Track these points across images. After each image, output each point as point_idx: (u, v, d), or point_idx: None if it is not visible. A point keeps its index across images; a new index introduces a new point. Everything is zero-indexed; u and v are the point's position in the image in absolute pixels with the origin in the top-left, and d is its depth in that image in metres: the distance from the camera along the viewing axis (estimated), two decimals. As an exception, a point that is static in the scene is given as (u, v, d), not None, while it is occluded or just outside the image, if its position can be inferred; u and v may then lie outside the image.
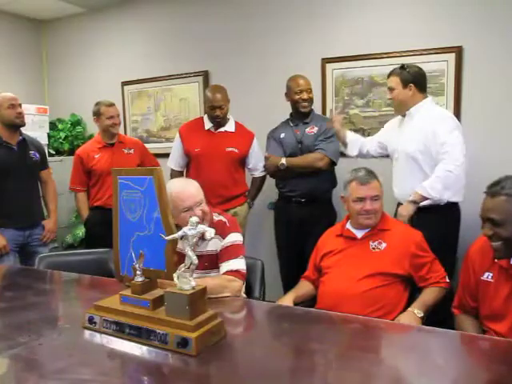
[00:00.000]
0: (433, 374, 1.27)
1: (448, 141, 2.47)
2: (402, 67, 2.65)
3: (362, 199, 2.19)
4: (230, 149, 3.14)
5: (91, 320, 1.49)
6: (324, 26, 3.48)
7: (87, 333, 1.48)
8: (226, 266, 1.97)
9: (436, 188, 2.44)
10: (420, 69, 2.68)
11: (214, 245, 2.04)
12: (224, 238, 2.05)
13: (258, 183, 3.36)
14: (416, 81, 2.62)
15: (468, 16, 3.01)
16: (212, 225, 2.03)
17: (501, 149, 2.97)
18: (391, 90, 2.66)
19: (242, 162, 3.25)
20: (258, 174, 3.31)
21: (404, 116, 2.69)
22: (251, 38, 3.77)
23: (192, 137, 3.23)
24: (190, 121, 3.54)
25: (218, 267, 2.02)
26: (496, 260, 1.73)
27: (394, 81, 2.64)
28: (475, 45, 3.01)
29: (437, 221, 2.49)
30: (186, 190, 2.01)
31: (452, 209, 2.59)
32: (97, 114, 3.39)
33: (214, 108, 3.11)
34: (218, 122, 3.16)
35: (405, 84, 2.61)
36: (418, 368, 1.30)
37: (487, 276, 1.76)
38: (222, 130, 3.21)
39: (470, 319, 1.85)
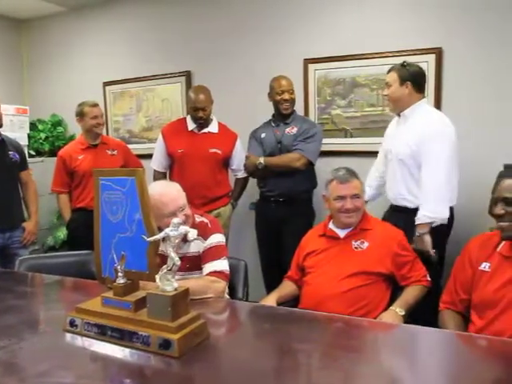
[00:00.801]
0: (415, 371, 1.29)
1: (434, 156, 2.42)
2: (403, 64, 2.58)
3: (342, 198, 2.21)
4: (214, 150, 3.14)
5: (72, 323, 1.47)
6: (306, 27, 3.50)
7: (68, 336, 1.47)
8: (209, 267, 1.97)
9: (434, 207, 2.40)
10: (420, 68, 2.62)
11: (197, 246, 2.04)
12: (206, 240, 2.04)
13: (242, 184, 3.37)
14: (413, 79, 2.55)
15: (448, 18, 3.05)
16: (194, 226, 2.03)
17: (480, 148, 3.01)
18: (388, 85, 2.61)
19: (225, 162, 3.25)
20: (241, 174, 3.32)
21: (399, 116, 2.65)
22: (234, 38, 3.76)
23: (175, 138, 3.22)
24: (172, 121, 3.53)
25: (200, 269, 2.01)
26: (500, 245, 1.78)
27: (392, 77, 2.58)
28: (454, 46, 3.05)
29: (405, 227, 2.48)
30: (168, 194, 1.99)
31: None
32: (80, 115, 3.36)
33: (197, 109, 3.10)
34: (201, 123, 3.16)
35: (402, 81, 2.55)
36: (400, 366, 1.32)
37: (484, 266, 1.81)
38: (205, 130, 3.20)
39: (453, 315, 1.88)
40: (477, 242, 1.89)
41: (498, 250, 1.80)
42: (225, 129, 3.28)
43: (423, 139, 2.45)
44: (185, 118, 3.33)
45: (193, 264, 2.03)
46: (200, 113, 3.10)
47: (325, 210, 2.43)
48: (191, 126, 3.21)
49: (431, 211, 2.39)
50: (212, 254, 2.01)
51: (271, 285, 2.39)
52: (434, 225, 2.41)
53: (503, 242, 1.79)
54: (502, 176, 1.75)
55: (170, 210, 1.95)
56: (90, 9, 4.40)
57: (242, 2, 3.71)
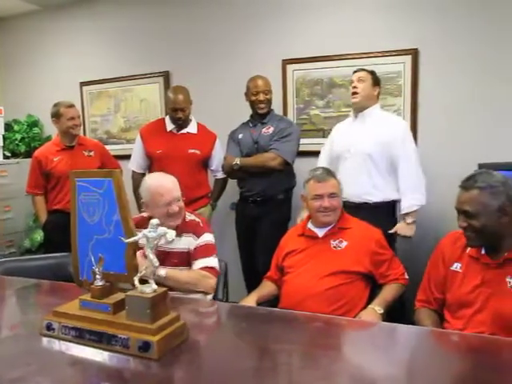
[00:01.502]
0: (394, 369, 1.30)
1: (409, 152, 2.68)
2: (372, 72, 2.81)
3: (319, 196, 2.23)
4: (192, 150, 3.13)
5: (49, 327, 1.45)
6: (285, 28, 3.51)
7: (45, 340, 1.45)
8: (201, 263, 2.09)
9: (419, 196, 2.65)
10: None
11: (188, 243, 2.13)
12: (198, 237, 2.16)
13: (221, 184, 3.36)
14: (380, 87, 2.84)
15: (423, 20, 3.10)
16: (185, 223, 2.18)
17: (456, 148, 3.06)
18: (362, 80, 2.75)
19: (204, 163, 3.24)
20: (221, 175, 3.31)
21: (356, 116, 2.82)
22: (212, 38, 3.76)
23: (153, 138, 3.20)
24: (150, 122, 3.50)
25: (187, 265, 2.10)
26: (469, 248, 1.81)
27: (366, 75, 2.77)
28: (430, 47, 3.10)
29: (388, 218, 2.69)
30: (164, 185, 2.14)
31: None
32: (56, 116, 3.30)
33: (176, 110, 3.08)
34: (180, 123, 3.14)
35: (374, 84, 2.78)
36: (379, 364, 1.33)
37: (456, 266, 1.84)
38: (184, 131, 3.18)
39: (429, 313, 1.91)
40: (448, 241, 1.92)
41: (467, 251, 1.83)
42: (204, 129, 3.27)
43: (397, 138, 2.68)
44: (163, 119, 3.30)
45: (180, 260, 2.12)
46: (179, 113, 3.08)
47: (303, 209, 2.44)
48: (170, 126, 3.19)
49: (418, 200, 2.65)
50: (204, 251, 2.13)
51: (252, 285, 2.40)
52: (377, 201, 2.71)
53: None
54: (461, 187, 1.77)
55: (165, 201, 2.08)
56: (65, 8, 4.33)
57: (221, 3, 3.70)
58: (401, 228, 2.68)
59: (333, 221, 2.25)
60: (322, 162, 2.92)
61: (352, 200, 2.69)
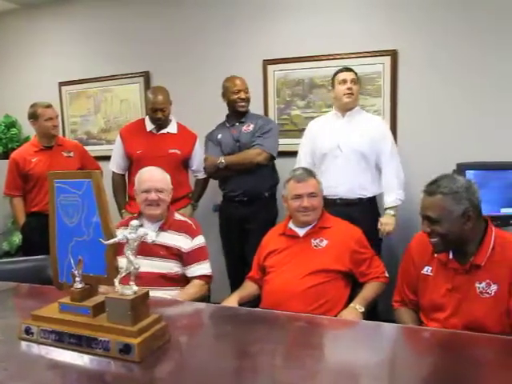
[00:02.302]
0: (376, 366, 1.31)
1: (392, 149, 2.82)
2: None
3: (299, 196, 2.24)
4: (173, 150, 3.12)
5: (28, 330, 1.43)
6: (265, 29, 3.52)
7: (24, 344, 1.42)
8: (198, 270, 2.28)
9: (402, 192, 2.80)
10: None
11: (181, 241, 2.27)
12: (193, 239, 2.30)
13: (202, 185, 3.35)
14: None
15: (402, 21, 3.14)
16: (173, 221, 2.33)
17: (435, 148, 3.11)
18: (355, 82, 2.83)
19: (184, 163, 3.22)
20: (202, 175, 3.30)
21: (342, 115, 2.87)
22: (192, 39, 3.74)
23: (133, 139, 3.18)
24: (130, 122, 3.47)
25: (176, 259, 2.24)
26: (435, 255, 1.81)
27: (355, 76, 2.84)
28: (409, 48, 3.14)
29: (364, 215, 2.73)
30: (151, 172, 2.35)
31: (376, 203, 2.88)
32: (34, 117, 3.26)
33: (155, 110, 3.07)
34: (160, 124, 3.13)
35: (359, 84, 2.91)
36: (361, 362, 1.34)
37: (427, 270, 1.84)
38: (164, 131, 3.17)
39: (408, 312, 1.93)
40: (417, 244, 1.91)
41: (436, 255, 1.82)
42: (184, 129, 3.26)
43: (382, 135, 2.81)
44: (143, 119, 3.28)
45: (168, 254, 2.24)
46: (159, 114, 3.07)
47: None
48: (150, 126, 3.18)
49: (402, 195, 2.78)
50: (198, 255, 2.29)
51: (237, 286, 2.40)
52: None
53: None
54: (424, 192, 1.76)
55: (145, 187, 2.26)
56: (44, 7, 4.27)
57: (201, 4, 3.69)
58: (386, 220, 2.76)
59: (312, 220, 2.26)
60: (303, 161, 2.93)
61: (345, 197, 2.75)
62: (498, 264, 1.68)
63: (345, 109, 2.85)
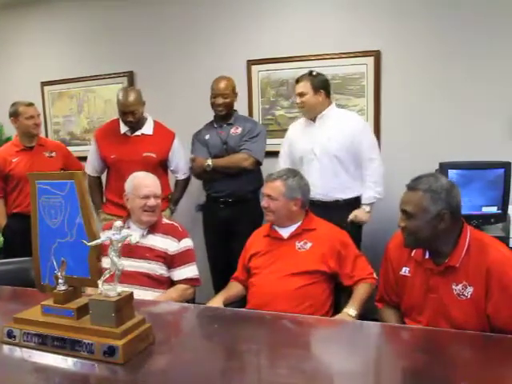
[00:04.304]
0: (362, 365, 1.32)
1: (371, 145, 2.79)
2: (311, 74, 2.81)
3: (263, 195, 2.32)
4: (147, 154, 3.01)
5: (10, 334, 1.41)
6: (249, 29, 3.52)
7: (6, 348, 1.40)
8: (182, 274, 2.27)
9: (379, 191, 2.78)
10: (325, 76, 2.87)
11: (168, 244, 2.27)
12: (179, 242, 2.30)
13: (182, 186, 3.25)
14: (325, 87, 2.81)
15: (385, 22, 3.16)
16: (160, 224, 2.33)
17: (418, 147, 3.14)
18: (302, 95, 2.78)
19: (162, 165, 3.13)
20: (181, 175, 3.22)
21: (313, 120, 2.85)
22: (177, 38, 3.72)
23: (107, 142, 3.08)
24: (105, 124, 3.32)
25: (163, 261, 2.24)
26: (413, 251, 1.81)
27: (305, 86, 2.78)
28: (392, 49, 3.16)
29: (341, 218, 2.69)
30: (148, 179, 2.36)
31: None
32: (14, 115, 3.21)
33: (125, 113, 2.96)
34: (131, 127, 3.03)
35: (316, 90, 2.78)
36: (347, 360, 1.35)
37: (404, 271, 1.84)
38: (138, 133, 3.06)
39: (392, 311, 1.93)
40: (395, 244, 1.91)
41: (413, 254, 1.82)
42: (161, 129, 3.15)
43: (358, 133, 2.77)
44: (118, 120, 3.13)
45: (153, 256, 2.23)
46: (129, 117, 2.95)
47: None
48: (123, 128, 3.07)
49: (379, 193, 2.79)
50: (185, 258, 2.29)
51: (221, 287, 2.39)
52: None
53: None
54: (406, 186, 1.78)
55: (145, 192, 2.27)
56: (24, 6, 4.20)
57: (185, 3, 3.67)
58: (360, 214, 2.77)
59: (273, 221, 2.29)
60: (281, 163, 2.96)
61: (323, 199, 2.75)
62: (474, 266, 1.68)
63: (308, 117, 2.87)
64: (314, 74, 2.82)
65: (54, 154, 3.32)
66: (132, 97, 2.95)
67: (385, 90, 3.22)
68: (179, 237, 2.32)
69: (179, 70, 3.74)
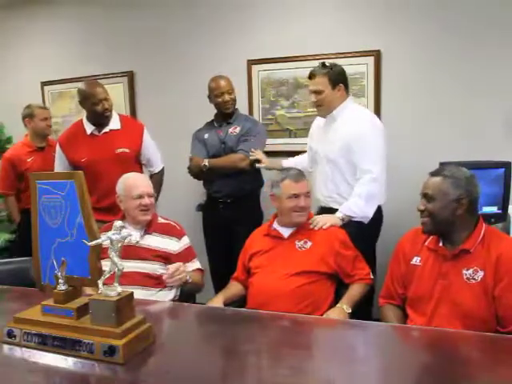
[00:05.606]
0: (362, 365, 1.32)
1: (367, 154, 2.42)
2: (325, 66, 2.49)
3: (296, 196, 2.23)
4: (120, 150, 2.92)
5: (10, 334, 1.41)
6: (250, 29, 3.52)
7: (6, 348, 1.40)
8: (192, 266, 2.32)
9: (359, 205, 2.40)
10: (341, 67, 2.57)
11: (168, 243, 2.28)
12: (180, 240, 2.33)
13: (158, 181, 3.09)
14: (344, 80, 2.51)
15: (386, 21, 3.16)
16: (156, 224, 2.34)
17: (418, 147, 3.14)
18: (318, 92, 2.48)
19: (137, 159, 3.05)
20: (155, 168, 3.12)
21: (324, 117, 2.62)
22: (176, 38, 3.72)
23: (74, 147, 2.95)
24: (68, 128, 3.16)
25: (157, 260, 2.23)
26: (427, 240, 1.88)
27: (322, 82, 2.46)
28: (392, 49, 3.16)
29: (358, 222, 2.44)
30: (139, 178, 2.39)
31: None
32: (30, 116, 3.40)
33: (100, 101, 2.86)
34: (107, 116, 2.93)
35: (334, 84, 2.47)
36: (347, 361, 1.35)
37: (415, 260, 1.90)
38: (106, 130, 2.96)
39: (393, 309, 1.95)
40: (408, 237, 1.98)
41: (426, 243, 1.89)
42: (128, 122, 3.07)
43: (357, 136, 2.43)
44: (81, 121, 3.01)
45: (153, 256, 2.23)
46: (104, 104, 2.87)
47: (271, 209, 2.44)
48: (90, 128, 2.96)
49: (360, 209, 2.40)
50: (188, 254, 2.33)
51: (221, 287, 2.39)
52: (354, 219, 2.41)
53: (431, 236, 1.88)
54: (429, 173, 1.87)
55: (139, 192, 2.26)
56: (24, 6, 4.20)
57: (185, 3, 3.67)
58: (327, 217, 2.35)
59: (304, 221, 2.26)
60: (307, 160, 2.86)
61: (321, 205, 2.70)
62: (486, 252, 1.75)
63: (324, 116, 2.61)
64: (329, 65, 2.47)
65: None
66: (100, 86, 2.92)
67: (385, 90, 3.22)
68: (179, 235, 2.34)
69: (179, 70, 3.73)
